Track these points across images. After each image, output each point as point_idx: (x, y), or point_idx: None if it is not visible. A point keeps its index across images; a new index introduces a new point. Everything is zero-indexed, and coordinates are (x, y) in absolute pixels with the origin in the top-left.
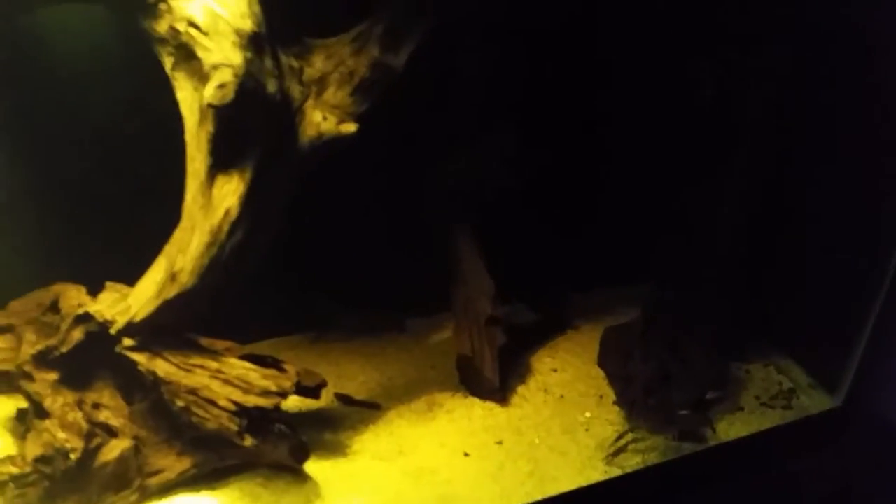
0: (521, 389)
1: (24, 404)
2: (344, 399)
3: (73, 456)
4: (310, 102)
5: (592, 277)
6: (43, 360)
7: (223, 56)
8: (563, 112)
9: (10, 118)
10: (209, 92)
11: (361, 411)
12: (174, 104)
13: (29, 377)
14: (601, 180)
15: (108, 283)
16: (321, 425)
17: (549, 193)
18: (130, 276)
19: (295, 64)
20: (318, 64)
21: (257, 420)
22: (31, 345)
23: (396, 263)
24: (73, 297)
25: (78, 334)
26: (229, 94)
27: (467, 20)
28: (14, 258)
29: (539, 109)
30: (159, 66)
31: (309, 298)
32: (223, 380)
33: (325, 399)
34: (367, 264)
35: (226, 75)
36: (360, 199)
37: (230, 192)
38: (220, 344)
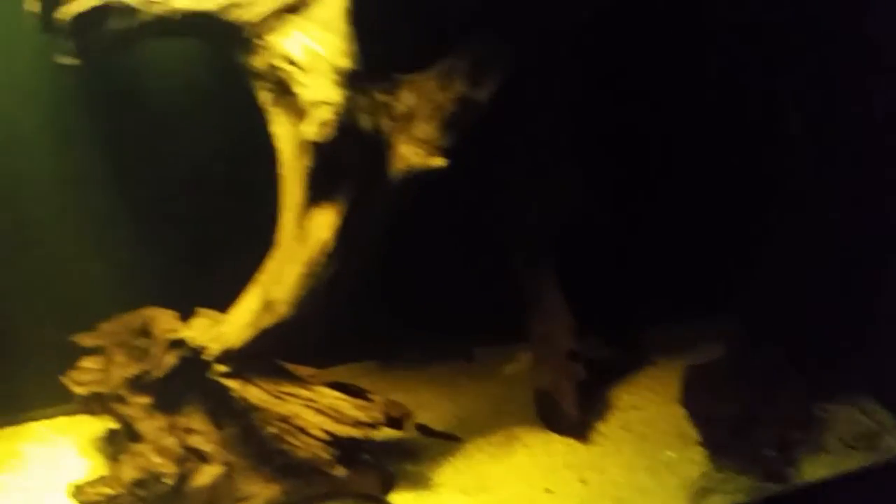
0: (600, 426)
1: (112, 425)
2: (424, 430)
3: (167, 481)
4: (399, 137)
5: (667, 311)
6: (136, 383)
7: (323, 93)
8: (639, 141)
9: (107, 149)
10: (311, 129)
11: (439, 443)
12: (265, 137)
13: (122, 400)
14: (678, 211)
15: (199, 309)
16: (401, 456)
17: (625, 224)
18: (215, 303)
19: (384, 99)
20: (406, 99)
21: (347, 450)
22: (121, 367)
23: (465, 291)
24: (165, 322)
25: (171, 359)
26: (331, 131)
27: (548, 54)
28: (103, 281)
29: (615, 138)
30: (252, 100)
31: (376, 324)
32: (315, 408)
33: (405, 429)
34: (435, 291)
35: (327, 113)
36: (432, 226)
37: (325, 224)
38: (303, 370)
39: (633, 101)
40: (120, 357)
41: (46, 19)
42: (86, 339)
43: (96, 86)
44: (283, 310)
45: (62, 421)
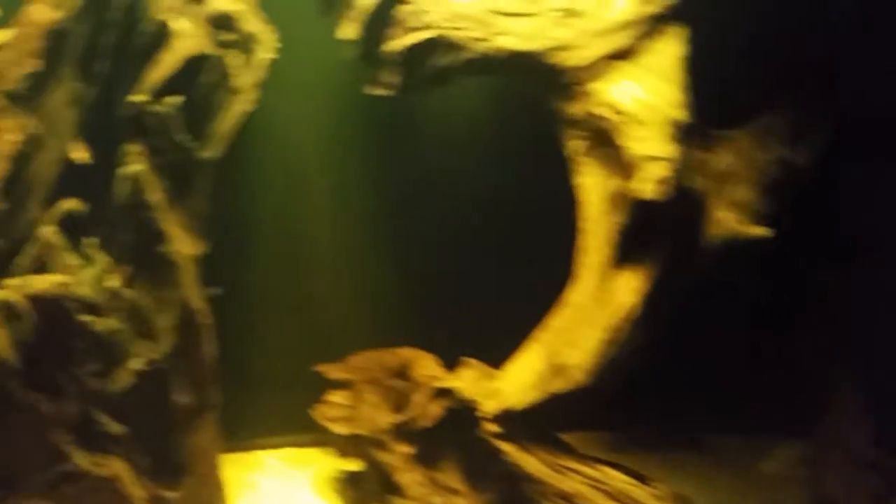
0: None
1: (354, 467)
2: None
3: None
4: (715, 199)
5: None
6: (400, 431)
7: (657, 148)
8: None
9: (385, 183)
10: (644, 186)
11: None
12: (559, 186)
13: (382, 446)
14: None
15: (465, 359)
16: None
17: None
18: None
19: (701, 156)
20: (722, 157)
21: None
22: (374, 407)
23: (703, 370)
24: (426, 366)
25: (436, 409)
26: (668, 189)
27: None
28: (351, 314)
29: None
30: (550, 146)
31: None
32: (604, 491)
33: None
34: (673, 365)
35: (662, 170)
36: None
37: (632, 288)
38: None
39: None
40: (371, 396)
41: (368, 49)
42: (334, 372)
43: (384, 119)
44: (578, 376)
45: (290, 452)
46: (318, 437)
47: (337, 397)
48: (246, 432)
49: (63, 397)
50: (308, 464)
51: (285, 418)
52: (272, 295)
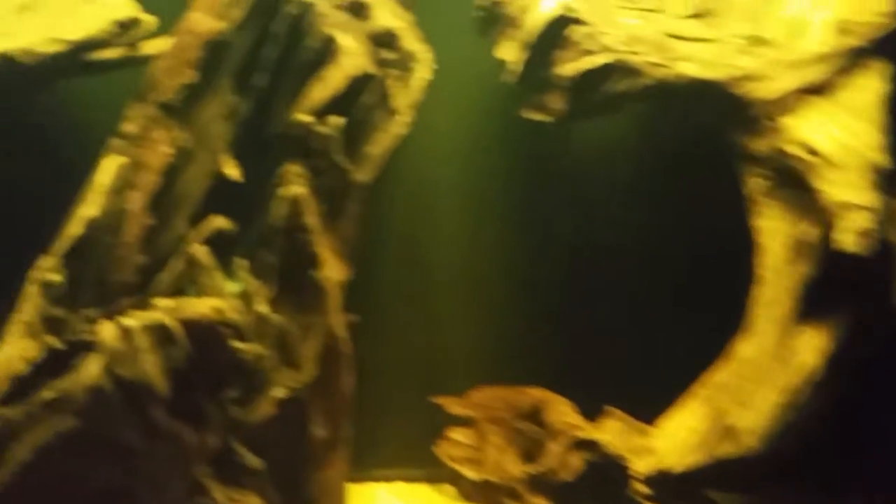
0: None
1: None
2: None
3: None
4: None
5: None
6: (536, 481)
7: (857, 195)
8: None
9: (524, 216)
10: (846, 237)
11: None
12: (726, 227)
13: (517, 497)
14: None
15: (610, 409)
16: None
17: None
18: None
19: (892, 204)
20: None
21: None
22: (499, 450)
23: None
24: (563, 413)
25: (577, 461)
26: (872, 243)
27: None
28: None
29: None
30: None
31: None
32: None
33: None
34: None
35: (865, 220)
36: None
37: (815, 348)
38: None
39: None
40: (496, 437)
41: (531, 72)
42: (456, 407)
43: (530, 147)
44: (750, 441)
45: (402, 487)
46: (430, 472)
47: (459, 435)
48: (359, 463)
49: (206, 427)
50: (421, 501)
51: (398, 451)
52: (393, 323)
